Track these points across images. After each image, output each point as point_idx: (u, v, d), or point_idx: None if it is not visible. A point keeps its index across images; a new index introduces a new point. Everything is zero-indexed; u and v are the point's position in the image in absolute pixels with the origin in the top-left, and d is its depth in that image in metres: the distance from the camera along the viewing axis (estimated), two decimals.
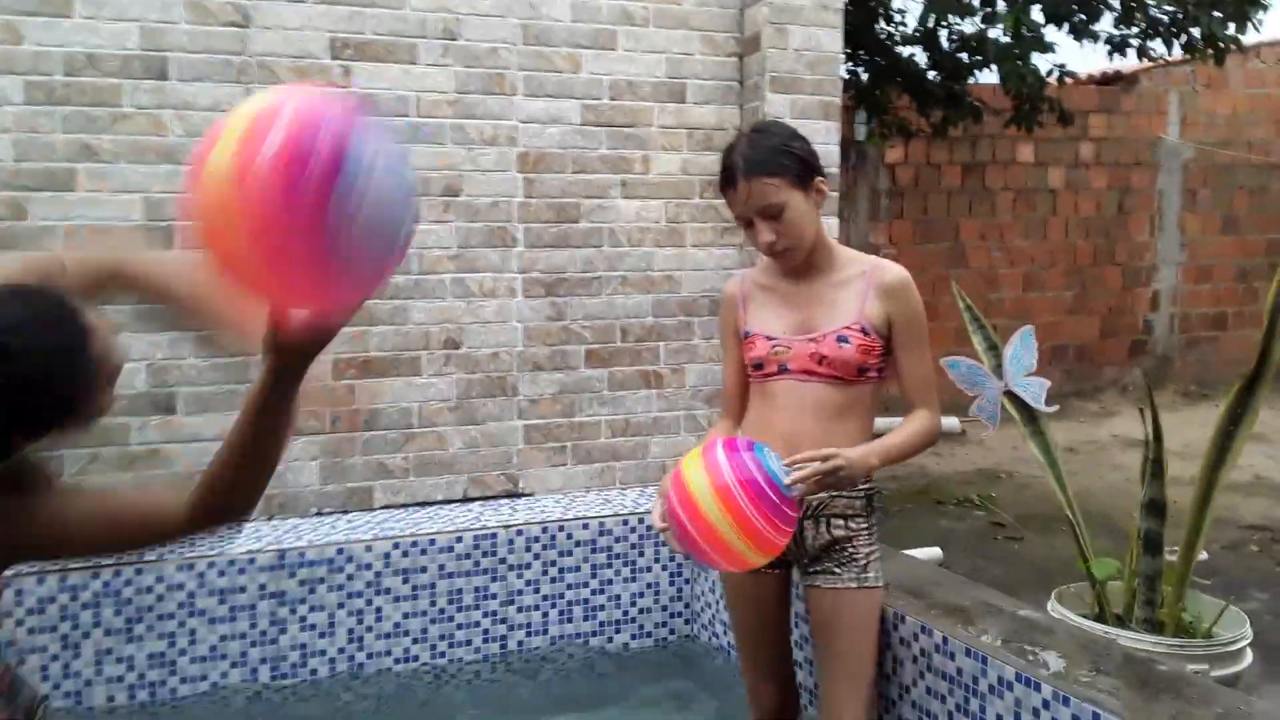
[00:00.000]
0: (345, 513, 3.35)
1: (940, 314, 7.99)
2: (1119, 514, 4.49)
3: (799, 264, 2.15)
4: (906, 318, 2.15)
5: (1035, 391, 3.00)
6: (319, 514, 3.31)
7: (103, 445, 3.07)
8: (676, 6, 3.57)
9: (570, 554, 3.30)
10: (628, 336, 3.61)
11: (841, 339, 2.11)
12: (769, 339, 2.17)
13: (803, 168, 2.08)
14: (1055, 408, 3.01)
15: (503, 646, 3.24)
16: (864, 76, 6.55)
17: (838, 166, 3.66)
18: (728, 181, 2.08)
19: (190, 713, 2.90)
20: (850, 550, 2.16)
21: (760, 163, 2.04)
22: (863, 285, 2.15)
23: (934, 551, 4.19)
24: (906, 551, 3.13)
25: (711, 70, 3.64)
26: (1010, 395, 2.98)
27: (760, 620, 2.29)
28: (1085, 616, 2.91)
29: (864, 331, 2.11)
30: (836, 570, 2.16)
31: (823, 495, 2.12)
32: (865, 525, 2.19)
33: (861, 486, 2.16)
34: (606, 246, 3.57)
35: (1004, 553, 4.69)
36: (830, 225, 3.63)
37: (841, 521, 2.17)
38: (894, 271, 2.17)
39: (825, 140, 3.60)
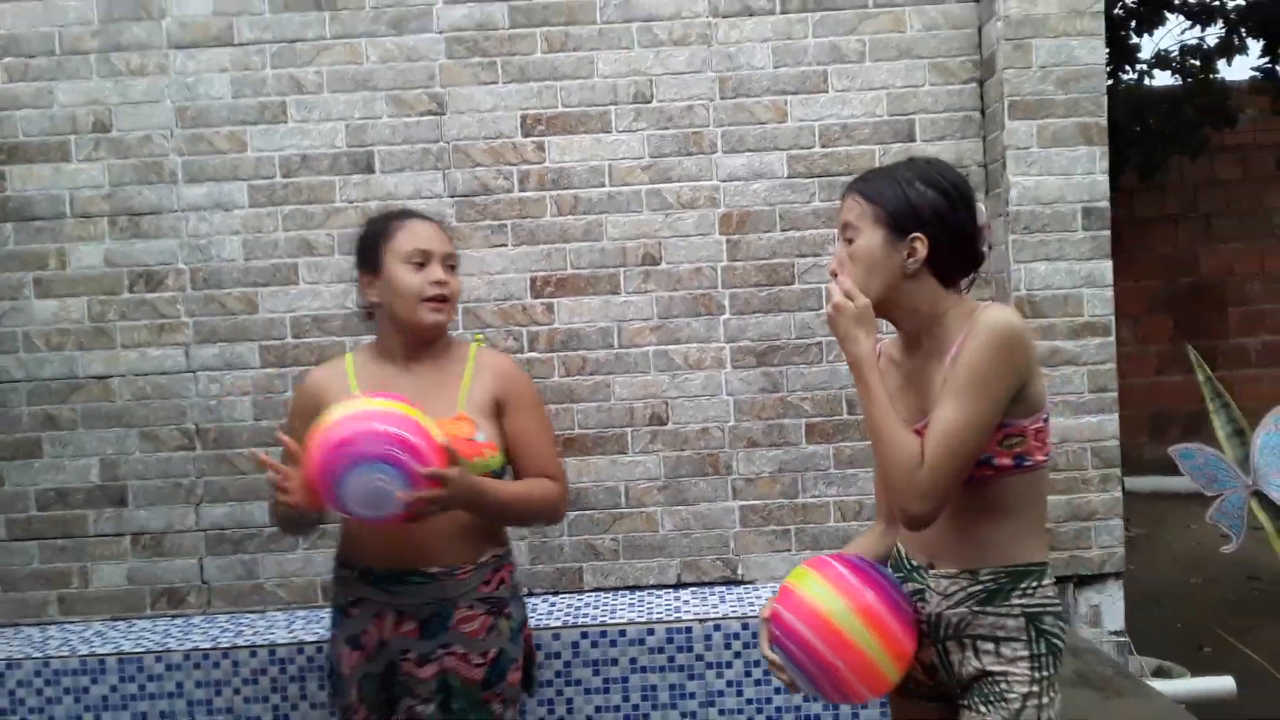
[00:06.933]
0: (555, 593, 3.26)
1: None
2: None
3: (906, 335, 1.79)
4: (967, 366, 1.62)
5: None
6: (529, 594, 3.25)
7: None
8: (898, 35, 3.16)
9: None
10: (856, 409, 3.20)
11: None
12: None
13: (905, 212, 1.67)
14: None
15: None
16: None
17: (1106, 199, 3.02)
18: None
19: None
20: (1001, 687, 1.68)
21: (864, 180, 1.75)
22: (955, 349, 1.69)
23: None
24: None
25: (945, 101, 3.17)
26: (1260, 497, 2.17)
27: None
28: None
29: None
30: (983, 709, 1.69)
31: (962, 610, 1.70)
32: (1025, 655, 1.69)
33: (1018, 601, 1.68)
34: (826, 309, 3.20)
35: None
36: (1106, 266, 3.00)
37: (991, 646, 1.70)
38: (985, 316, 1.63)
39: (1089, 169, 3.01)
